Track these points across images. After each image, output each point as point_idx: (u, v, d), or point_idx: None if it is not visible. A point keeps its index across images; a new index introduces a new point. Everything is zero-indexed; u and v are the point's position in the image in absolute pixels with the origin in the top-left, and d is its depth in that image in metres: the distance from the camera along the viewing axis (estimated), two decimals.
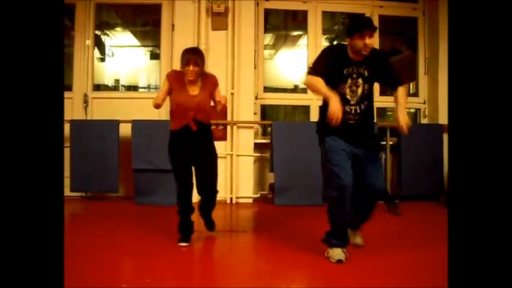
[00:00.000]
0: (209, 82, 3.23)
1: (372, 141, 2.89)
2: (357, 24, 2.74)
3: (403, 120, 2.69)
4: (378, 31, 2.81)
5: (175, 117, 3.20)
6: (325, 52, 2.83)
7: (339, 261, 2.67)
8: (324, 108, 2.76)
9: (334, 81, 2.72)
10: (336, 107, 2.54)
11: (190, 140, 3.16)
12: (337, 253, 2.71)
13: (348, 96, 2.74)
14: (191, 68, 3.09)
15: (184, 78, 3.17)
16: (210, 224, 3.44)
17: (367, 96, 2.78)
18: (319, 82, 2.66)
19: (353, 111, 2.75)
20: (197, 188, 3.23)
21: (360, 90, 2.75)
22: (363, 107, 2.77)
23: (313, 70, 2.76)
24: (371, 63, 2.75)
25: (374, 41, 2.72)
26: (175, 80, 3.19)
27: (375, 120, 3.06)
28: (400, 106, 2.76)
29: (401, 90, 2.82)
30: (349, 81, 2.73)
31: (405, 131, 2.70)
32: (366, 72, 2.74)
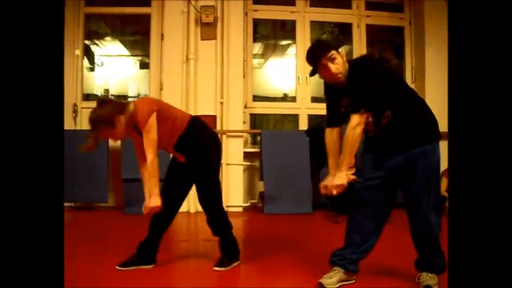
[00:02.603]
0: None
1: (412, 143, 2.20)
2: (308, 58, 2.22)
3: (335, 180, 2.19)
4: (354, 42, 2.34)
5: None
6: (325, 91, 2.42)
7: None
8: None
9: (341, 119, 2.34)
10: (335, 184, 2.15)
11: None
12: None
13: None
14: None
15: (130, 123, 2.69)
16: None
17: (388, 106, 2.20)
18: (354, 143, 2.15)
19: (373, 132, 2.27)
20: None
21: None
22: (384, 121, 2.22)
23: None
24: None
25: (338, 62, 2.15)
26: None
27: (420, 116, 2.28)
28: (342, 158, 2.18)
29: (351, 125, 2.12)
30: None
31: (323, 192, 2.26)
32: None
